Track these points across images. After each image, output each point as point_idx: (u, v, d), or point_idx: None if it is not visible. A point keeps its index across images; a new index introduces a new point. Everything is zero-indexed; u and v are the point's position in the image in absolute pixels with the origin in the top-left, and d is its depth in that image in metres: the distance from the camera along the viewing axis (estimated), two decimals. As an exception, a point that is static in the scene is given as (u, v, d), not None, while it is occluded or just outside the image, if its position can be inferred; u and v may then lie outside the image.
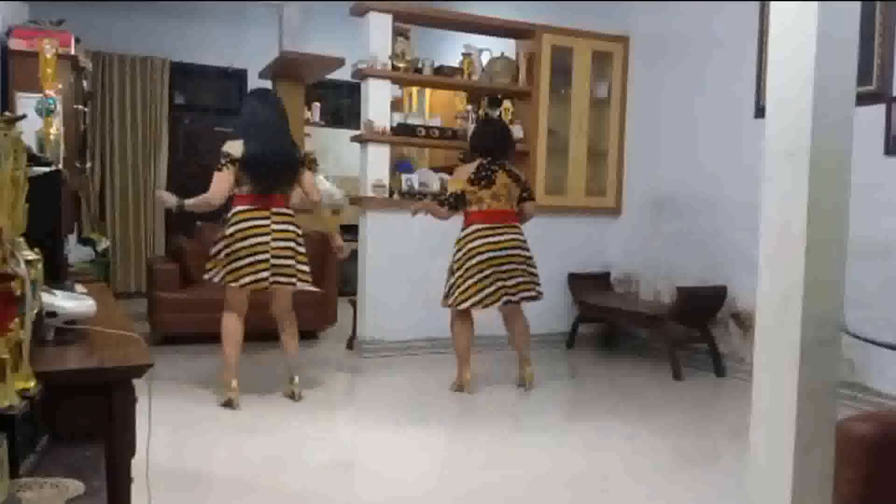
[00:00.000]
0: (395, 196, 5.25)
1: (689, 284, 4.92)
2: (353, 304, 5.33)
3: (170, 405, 3.72)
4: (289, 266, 3.78)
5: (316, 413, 3.82)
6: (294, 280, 3.81)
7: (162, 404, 3.62)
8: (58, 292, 1.53)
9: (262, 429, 3.51)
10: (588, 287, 5.64)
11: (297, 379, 3.95)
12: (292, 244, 3.80)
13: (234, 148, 3.71)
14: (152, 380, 1.44)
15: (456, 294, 4.13)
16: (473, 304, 4.11)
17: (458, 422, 3.84)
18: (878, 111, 3.97)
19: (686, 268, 5.20)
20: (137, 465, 1.43)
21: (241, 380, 3.82)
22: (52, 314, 1.44)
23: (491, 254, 4.09)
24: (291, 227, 3.81)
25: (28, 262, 1.14)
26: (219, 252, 3.78)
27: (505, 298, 4.13)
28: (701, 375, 4.84)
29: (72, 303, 1.53)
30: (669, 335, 4.83)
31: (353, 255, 5.48)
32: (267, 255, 3.71)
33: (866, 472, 1.56)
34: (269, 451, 3.23)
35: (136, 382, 1.37)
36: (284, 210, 3.81)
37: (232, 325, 3.84)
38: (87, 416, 1.28)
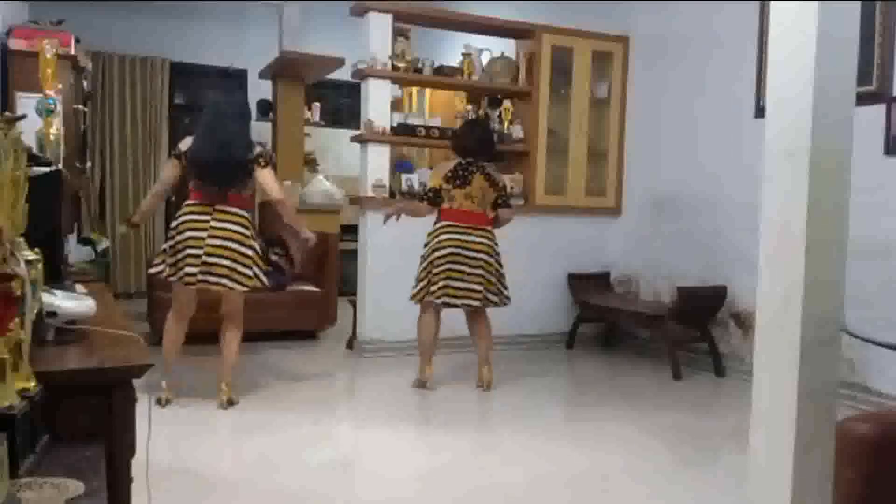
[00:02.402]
0: (396, 196, 5.26)
1: (689, 284, 4.92)
2: (353, 304, 5.33)
3: (170, 405, 3.73)
4: (222, 266, 3.60)
5: (316, 413, 3.83)
6: (224, 281, 3.62)
7: (162, 404, 3.66)
8: (58, 292, 1.53)
9: (262, 429, 3.51)
10: (588, 287, 5.64)
11: (224, 385, 3.73)
12: (232, 244, 3.62)
13: (185, 143, 3.77)
14: (152, 379, 1.44)
15: (417, 287, 4.18)
16: (428, 297, 4.12)
17: (458, 422, 3.84)
18: (878, 111, 3.97)
19: (686, 268, 5.20)
20: (137, 465, 1.42)
21: (242, 379, 3.81)
22: (52, 314, 1.44)
23: (452, 249, 4.08)
24: (236, 227, 3.64)
25: (28, 262, 1.14)
26: (166, 246, 3.76)
27: (445, 299, 4.11)
28: (701, 375, 4.84)
29: (72, 303, 1.53)
30: (669, 335, 4.83)
31: (353, 255, 5.49)
32: (199, 252, 3.59)
33: (866, 472, 1.56)
34: (268, 451, 3.23)
35: (136, 382, 1.37)
36: (231, 209, 3.65)
37: (169, 324, 3.81)
38: (87, 416, 1.28)
